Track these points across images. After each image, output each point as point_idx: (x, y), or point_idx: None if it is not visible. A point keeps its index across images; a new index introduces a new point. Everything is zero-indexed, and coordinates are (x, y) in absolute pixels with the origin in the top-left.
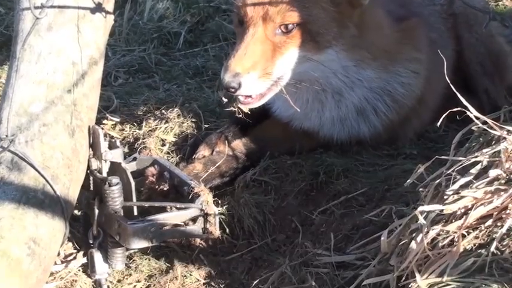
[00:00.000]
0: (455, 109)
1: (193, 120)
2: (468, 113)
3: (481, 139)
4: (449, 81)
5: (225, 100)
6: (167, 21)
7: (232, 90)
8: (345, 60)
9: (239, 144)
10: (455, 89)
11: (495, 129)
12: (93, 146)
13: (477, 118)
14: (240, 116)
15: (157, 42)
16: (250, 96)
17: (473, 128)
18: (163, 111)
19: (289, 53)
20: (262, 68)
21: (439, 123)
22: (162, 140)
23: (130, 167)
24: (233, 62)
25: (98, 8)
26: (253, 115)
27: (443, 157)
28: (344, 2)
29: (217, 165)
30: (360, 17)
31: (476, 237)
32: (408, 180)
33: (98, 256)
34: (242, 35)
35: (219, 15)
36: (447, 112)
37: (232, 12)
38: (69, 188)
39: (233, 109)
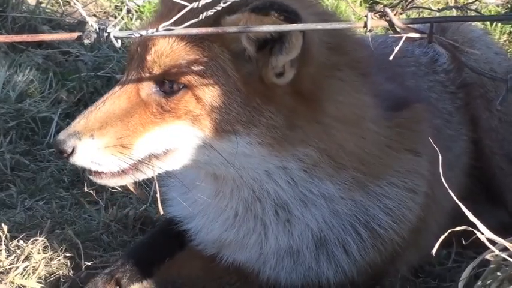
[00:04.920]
0: (457, 228)
1: (68, 254)
2: (478, 234)
3: (499, 273)
4: (448, 188)
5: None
6: (31, 101)
7: (64, 155)
8: (273, 159)
9: None
10: (466, 196)
11: None
12: None
13: (493, 243)
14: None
15: (15, 134)
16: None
17: (488, 257)
18: (21, 242)
19: (169, 127)
20: (116, 136)
21: (434, 251)
22: (20, 287)
23: None
24: (79, 118)
25: None
26: (159, 244)
27: None
28: (253, 72)
29: None
30: (298, 101)
31: None
32: None
33: None
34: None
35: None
36: (446, 234)
37: None
38: None
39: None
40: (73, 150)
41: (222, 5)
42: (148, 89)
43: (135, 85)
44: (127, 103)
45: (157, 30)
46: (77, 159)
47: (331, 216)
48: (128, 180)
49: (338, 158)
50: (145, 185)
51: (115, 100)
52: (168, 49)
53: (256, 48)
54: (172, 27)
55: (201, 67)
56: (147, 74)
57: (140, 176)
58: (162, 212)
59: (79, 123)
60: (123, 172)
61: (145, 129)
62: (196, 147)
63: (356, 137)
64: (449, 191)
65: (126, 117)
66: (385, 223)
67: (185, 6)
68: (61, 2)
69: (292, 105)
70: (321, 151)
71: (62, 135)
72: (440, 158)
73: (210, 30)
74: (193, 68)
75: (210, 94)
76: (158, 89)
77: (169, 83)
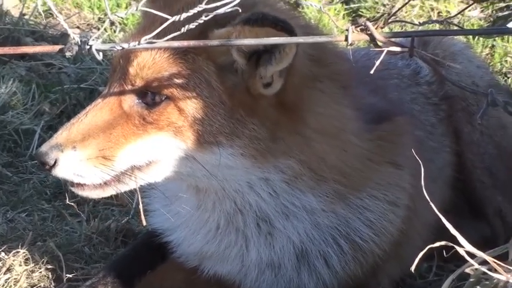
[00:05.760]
0: (437, 244)
1: (50, 266)
2: (457, 247)
3: (478, 287)
4: (429, 201)
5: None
6: (14, 113)
7: (47, 167)
8: (256, 170)
9: None
10: (449, 209)
11: (499, 272)
12: None
13: (472, 256)
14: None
15: None
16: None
17: (467, 270)
18: (3, 254)
19: (151, 139)
20: (98, 147)
21: (413, 267)
22: None
23: None
24: (61, 130)
25: None
26: (141, 257)
27: None
28: (239, 84)
29: None
30: (281, 112)
31: None
32: None
33: None
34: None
35: None
36: (424, 250)
37: None
38: None
39: None
40: (55, 162)
41: (204, 18)
42: (130, 101)
43: (118, 97)
44: (109, 115)
45: (139, 43)
46: (59, 172)
47: (312, 228)
48: (110, 192)
49: (319, 170)
50: (127, 197)
51: (97, 112)
52: (150, 61)
53: (246, 60)
54: (154, 40)
55: (184, 79)
56: (129, 86)
57: (123, 188)
58: (144, 223)
59: (61, 135)
60: (106, 184)
61: (127, 141)
62: (179, 159)
63: (337, 150)
64: (431, 204)
65: (109, 129)
66: (366, 235)
67: (167, 19)
68: (43, 15)
69: (275, 117)
70: (302, 163)
71: (44, 147)
72: (422, 170)
73: (191, 43)
74: (175, 80)
75: (193, 106)
76: (140, 100)
77: (151, 94)
